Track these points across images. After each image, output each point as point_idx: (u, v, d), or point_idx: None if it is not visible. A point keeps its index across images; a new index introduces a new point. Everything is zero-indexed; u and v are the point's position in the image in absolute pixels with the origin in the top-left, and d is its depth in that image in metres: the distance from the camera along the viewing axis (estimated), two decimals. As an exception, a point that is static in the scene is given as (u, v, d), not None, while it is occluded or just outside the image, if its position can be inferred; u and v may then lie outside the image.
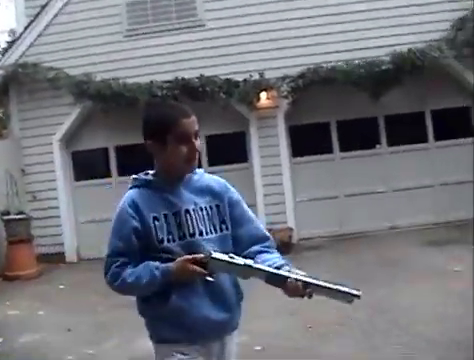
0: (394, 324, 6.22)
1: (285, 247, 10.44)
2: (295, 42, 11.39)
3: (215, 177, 2.79)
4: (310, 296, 2.41)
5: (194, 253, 2.54)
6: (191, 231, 2.62)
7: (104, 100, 11.42)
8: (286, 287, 2.45)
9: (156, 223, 2.58)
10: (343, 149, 11.95)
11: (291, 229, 11.22)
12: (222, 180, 2.80)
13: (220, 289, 2.63)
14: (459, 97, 11.54)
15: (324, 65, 11.14)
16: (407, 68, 10.93)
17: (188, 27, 11.76)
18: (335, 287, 2.39)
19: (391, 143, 11.95)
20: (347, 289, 2.37)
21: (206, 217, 2.66)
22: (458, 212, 11.21)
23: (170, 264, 2.52)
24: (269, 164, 11.61)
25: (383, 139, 12.03)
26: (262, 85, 11.33)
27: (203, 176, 2.74)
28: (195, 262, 2.51)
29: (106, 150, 12.45)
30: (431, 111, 11.85)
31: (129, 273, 2.57)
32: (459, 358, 5.17)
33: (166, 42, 11.64)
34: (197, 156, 2.63)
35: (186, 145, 2.57)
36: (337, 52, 11.18)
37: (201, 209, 2.65)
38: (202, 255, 2.52)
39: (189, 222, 2.62)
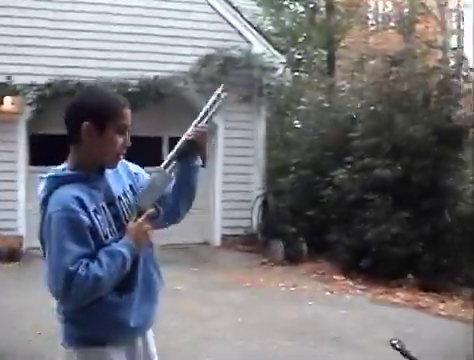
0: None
1: (15, 254, 10.37)
2: (48, 51, 11.34)
3: None
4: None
5: None
6: (128, 219, 2.48)
7: None
8: (195, 144, 2.54)
9: (98, 217, 2.37)
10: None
11: (21, 237, 11.06)
12: None
13: (150, 278, 2.57)
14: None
15: (74, 79, 11.21)
16: (151, 94, 11.49)
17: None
18: (211, 100, 2.59)
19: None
20: (214, 96, 2.60)
21: (132, 200, 2.54)
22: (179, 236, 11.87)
23: (122, 239, 2.38)
24: (5, 170, 11.35)
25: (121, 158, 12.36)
26: (8, 89, 11.10)
27: None
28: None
29: None
30: (169, 138, 12.51)
31: (95, 266, 2.27)
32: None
33: None
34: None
35: (122, 137, 2.44)
36: (88, 68, 11.30)
37: (127, 192, 2.55)
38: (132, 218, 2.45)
39: (124, 210, 2.49)
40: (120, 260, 2.31)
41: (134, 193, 2.57)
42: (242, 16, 12.65)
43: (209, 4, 12.28)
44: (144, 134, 12.09)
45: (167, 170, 2.53)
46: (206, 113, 2.60)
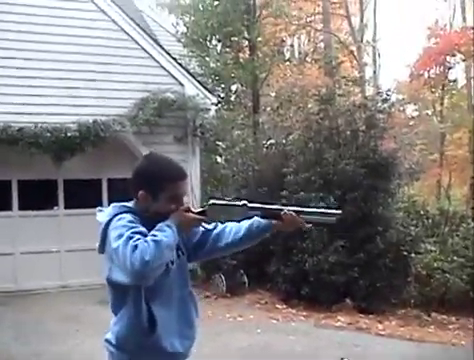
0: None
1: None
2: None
3: None
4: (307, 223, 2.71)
5: (167, 283, 2.74)
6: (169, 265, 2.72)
7: None
8: (282, 219, 2.70)
9: None
10: (22, 208, 12.22)
11: (-35, 284, 11.08)
12: None
13: (191, 317, 2.90)
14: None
15: (13, 125, 11.37)
16: (91, 137, 11.74)
17: None
18: (320, 210, 2.73)
19: (68, 206, 12.57)
20: (329, 210, 2.71)
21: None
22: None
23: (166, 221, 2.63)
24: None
25: (61, 201, 12.60)
26: None
27: None
28: (190, 212, 2.69)
29: None
30: (107, 179, 12.80)
31: (154, 234, 2.53)
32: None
33: None
34: None
35: (175, 204, 2.70)
36: (26, 114, 11.45)
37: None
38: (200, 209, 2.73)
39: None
40: (171, 233, 2.56)
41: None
42: (174, 59, 13.13)
43: (143, 49, 12.67)
44: (84, 177, 12.44)
45: (247, 209, 2.72)
46: (312, 215, 2.74)
